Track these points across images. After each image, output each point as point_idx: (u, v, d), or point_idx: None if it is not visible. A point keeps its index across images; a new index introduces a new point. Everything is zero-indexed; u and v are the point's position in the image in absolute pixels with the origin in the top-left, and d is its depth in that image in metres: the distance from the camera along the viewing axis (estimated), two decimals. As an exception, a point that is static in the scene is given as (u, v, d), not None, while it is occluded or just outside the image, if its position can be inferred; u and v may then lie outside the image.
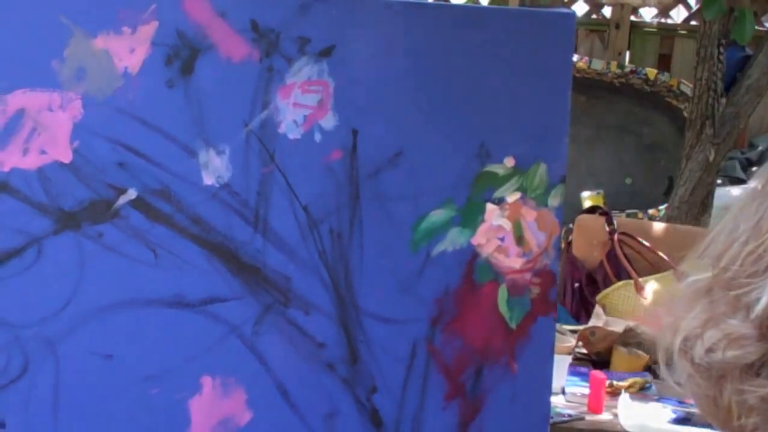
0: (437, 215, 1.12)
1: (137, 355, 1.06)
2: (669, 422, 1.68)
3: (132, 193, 1.05)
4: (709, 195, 2.76)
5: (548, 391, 1.16)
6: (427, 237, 1.12)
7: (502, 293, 1.14)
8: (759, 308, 0.46)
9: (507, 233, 1.14)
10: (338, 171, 1.10)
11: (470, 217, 1.13)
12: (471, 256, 1.13)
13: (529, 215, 1.14)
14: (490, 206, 1.13)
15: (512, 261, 1.14)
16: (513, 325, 1.14)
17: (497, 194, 1.13)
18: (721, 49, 2.68)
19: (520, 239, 1.14)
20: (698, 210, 2.70)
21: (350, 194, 1.10)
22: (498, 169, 1.13)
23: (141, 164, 1.05)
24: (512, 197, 1.14)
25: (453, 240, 1.13)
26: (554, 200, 1.15)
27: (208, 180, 1.07)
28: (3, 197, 1.02)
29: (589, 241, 2.41)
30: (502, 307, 1.14)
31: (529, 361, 1.15)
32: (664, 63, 3.83)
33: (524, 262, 1.14)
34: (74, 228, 1.04)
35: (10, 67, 1.02)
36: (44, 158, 1.03)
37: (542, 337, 1.15)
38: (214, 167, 1.07)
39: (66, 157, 1.03)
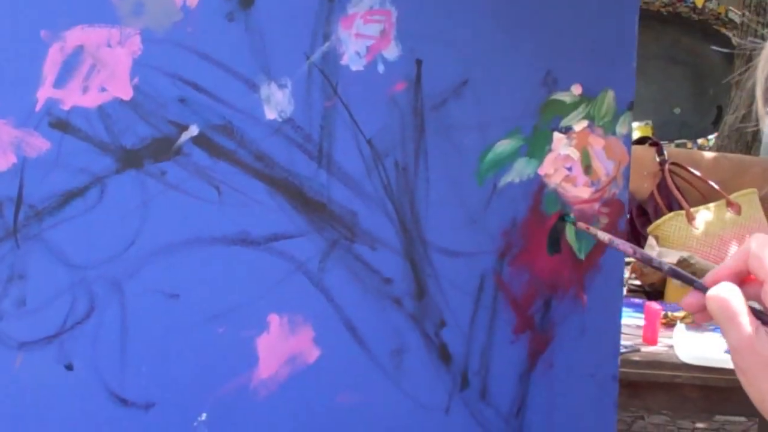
0: (504, 145, 1.10)
1: (203, 294, 1.05)
2: (725, 352, 1.67)
3: (194, 130, 1.03)
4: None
5: (618, 322, 1.14)
6: (493, 168, 1.10)
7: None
8: None
9: (574, 162, 1.11)
10: (402, 102, 1.07)
11: (537, 146, 1.10)
12: (538, 187, 1.11)
13: (596, 143, 1.12)
14: (557, 135, 1.11)
15: (580, 191, 1.12)
16: (581, 256, 1.12)
17: (564, 122, 1.11)
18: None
19: (587, 168, 1.12)
20: (749, 138, 2.67)
21: (415, 126, 1.07)
22: (565, 97, 1.10)
23: (202, 100, 1.03)
24: (579, 125, 1.11)
25: (520, 170, 1.10)
26: (622, 128, 1.12)
27: (271, 115, 1.05)
28: (64, 136, 1.01)
29: (639, 172, 2.38)
30: (570, 238, 1.12)
31: (599, 293, 1.13)
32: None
33: (592, 192, 1.12)
34: (137, 166, 1.02)
35: (68, 3, 0.99)
36: (104, 96, 1.01)
37: (611, 268, 1.14)
38: (276, 101, 1.04)
39: (126, 93, 1.01)
